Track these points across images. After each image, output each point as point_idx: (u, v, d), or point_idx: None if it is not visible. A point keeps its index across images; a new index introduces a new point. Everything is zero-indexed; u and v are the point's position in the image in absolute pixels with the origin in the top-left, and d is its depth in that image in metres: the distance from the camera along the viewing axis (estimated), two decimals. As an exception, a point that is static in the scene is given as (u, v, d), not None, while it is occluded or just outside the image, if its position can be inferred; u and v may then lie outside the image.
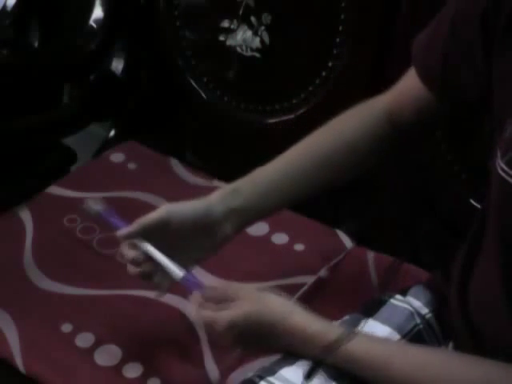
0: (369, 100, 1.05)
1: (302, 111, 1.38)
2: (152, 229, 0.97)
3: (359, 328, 0.97)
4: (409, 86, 0.98)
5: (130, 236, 0.97)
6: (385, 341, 0.91)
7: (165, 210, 0.98)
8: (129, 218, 1.02)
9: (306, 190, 1.05)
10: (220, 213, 1.00)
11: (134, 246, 0.98)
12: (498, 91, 0.82)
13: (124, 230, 0.98)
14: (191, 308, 0.92)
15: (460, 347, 0.94)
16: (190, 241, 1.00)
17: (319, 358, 0.87)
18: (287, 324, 0.88)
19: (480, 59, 0.84)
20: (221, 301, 0.91)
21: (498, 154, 0.78)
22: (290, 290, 1.18)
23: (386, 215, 1.31)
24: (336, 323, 0.92)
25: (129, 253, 0.98)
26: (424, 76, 0.94)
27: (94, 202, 1.03)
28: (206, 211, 1.00)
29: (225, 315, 0.89)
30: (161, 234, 0.98)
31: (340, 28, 1.30)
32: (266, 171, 1.03)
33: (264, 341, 0.90)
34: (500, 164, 0.78)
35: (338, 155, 1.02)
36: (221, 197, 1.01)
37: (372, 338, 0.90)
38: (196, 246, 1.01)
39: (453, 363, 0.83)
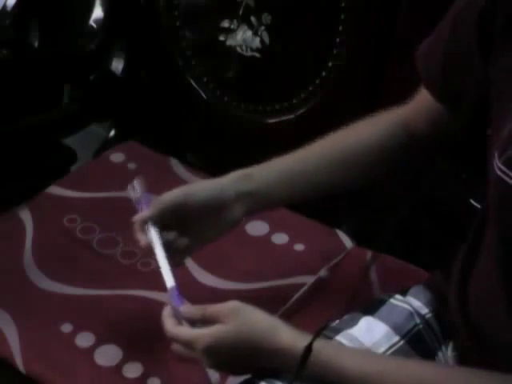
0: (387, 110, 1.05)
1: (301, 111, 1.38)
2: (168, 211, 0.99)
3: (359, 326, 0.97)
4: (422, 97, 0.99)
5: (146, 220, 0.99)
6: (378, 355, 0.90)
7: (181, 192, 1.00)
8: (129, 219, 1.02)
9: (316, 188, 1.05)
10: (231, 195, 1.00)
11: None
12: (495, 92, 0.83)
13: (140, 215, 0.99)
14: (165, 322, 0.91)
15: (460, 347, 0.94)
16: (201, 221, 1.01)
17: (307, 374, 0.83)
18: (273, 342, 0.85)
19: (478, 60, 0.84)
20: (197, 321, 0.89)
21: (495, 155, 0.78)
22: (289, 290, 1.19)
23: (385, 215, 1.30)
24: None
25: (142, 238, 0.99)
26: (425, 78, 0.95)
27: (134, 186, 1.05)
28: (218, 193, 1.01)
29: (204, 336, 0.87)
30: (176, 216, 1.00)
31: (340, 28, 1.30)
32: (280, 162, 1.04)
33: (246, 361, 0.87)
34: (497, 164, 0.78)
35: (352, 158, 1.03)
36: (232, 180, 1.02)
37: (365, 353, 0.88)
38: (206, 227, 1.01)
39: (449, 376, 0.83)
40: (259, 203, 1.03)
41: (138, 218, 1.00)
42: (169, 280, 0.97)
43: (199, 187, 1.02)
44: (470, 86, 0.88)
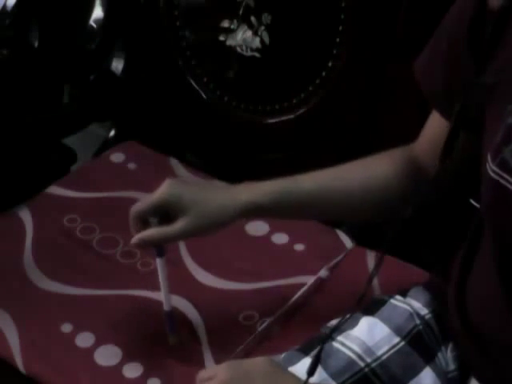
0: (403, 147, 1.04)
1: (301, 111, 1.38)
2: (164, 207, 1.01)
3: (359, 326, 0.97)
4: (428, 129, 0.99)
5: (140, 214, 1.01)
6: None
7: (190, 198, 1.01)
8: (129, 219, 1.03)
9: (321, 212, 1.08)
10: (235, 219, 1.02)
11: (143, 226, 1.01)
12: (487, 96, 0.83)
13: (136, 208, 1.01)
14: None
15: (459, 347, 0.94)
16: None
17: None
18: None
19: (472, 71, 0.84)
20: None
21: (488, 158, 0.79)
22: (290, 290, 1.19)
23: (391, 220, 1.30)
24: None
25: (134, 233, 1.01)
26: (429, 94, 0.94)
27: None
28: (225, 217, 1.02)
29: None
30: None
31: (340, 28, 1.30)
32: (289, 181, 1.04)
33: None
34: (491, 167, 0.78)
35: (362, 194, 1.02)
36: (242, 210, 1.01)
37: None
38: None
39: None
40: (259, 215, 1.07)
41: (133, 210, 1.01)
42: (166, 303, 1.06)
43: (209, 205, 1.01)
44: (470, 96, 0.87)
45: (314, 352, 0.93)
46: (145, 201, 1.02)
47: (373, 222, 1.10)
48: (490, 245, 0.84)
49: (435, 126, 0.96)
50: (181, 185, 1.03)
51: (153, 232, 1.01)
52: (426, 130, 1.00)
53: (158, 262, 1.05)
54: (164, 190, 1.01)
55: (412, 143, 1.03)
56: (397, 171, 1.01)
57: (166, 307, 1.06)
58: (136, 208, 1.02)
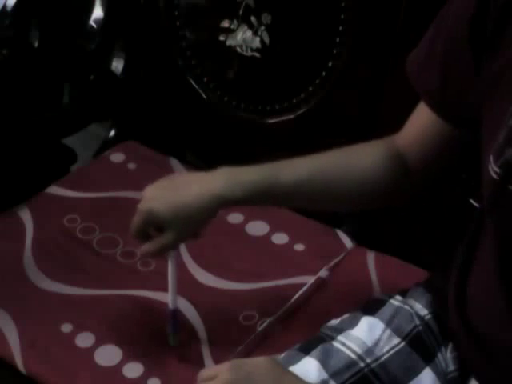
0: (387, 137, 1.03)
1: (301, 111, 1.38)
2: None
3: (360, 326, 0.97)
4: (413, 127, 0.98)
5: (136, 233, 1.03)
6: None
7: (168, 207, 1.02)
8: (129, 218, 1.03)
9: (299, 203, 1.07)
10: (213, 215, 1.02)
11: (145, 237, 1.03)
12: (488, 97, 0.82)
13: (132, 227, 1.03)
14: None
15: (459, 348, 0.94)
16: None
17: None
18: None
19: (472, 70, 0.84)
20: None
21: (491, 159, 0.78)
22: (289, 290, 1.19)
23: (386, 215, 1.31)
24: None
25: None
26: (423, 92, 0.94)
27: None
28: (203, 215, 1.02)
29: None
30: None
31: (340, 28, 1.30)
32: (274, 179, 1.02)
33: None
34: (493, 168, 0.78)
35: (340, 184, 1.01)
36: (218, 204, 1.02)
37: None
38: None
39: None
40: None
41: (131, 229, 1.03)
42: (171, 301, 1.06)
43: (186, 207, 1.01)
44: (467, 97, 0.87)
45: (315, 352, 0.93)
46: (133, 221, 1.03)
47: (357, 211, 1.09)
48: (491, 245, 0.84)
49: (424, 121, 0.96)
50: (157, 197, 1.03)
51: (150, 246, 1.03)
52: (412, 124, 0.99)
53: (170, 261, 1.06)
54: (142, 209, 1.02)
55: (395, 134, 1.02)
56: (378, 162, 1.00)
57: (171, 305, 1.06)
58: (131, 227, 1.04)
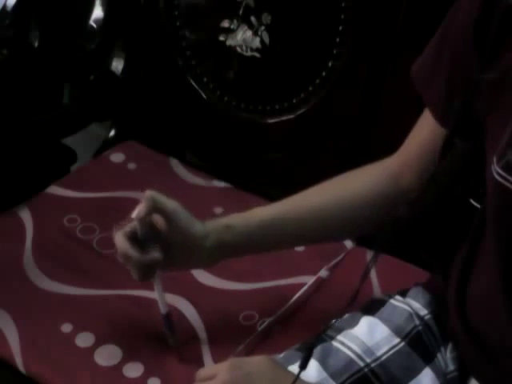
0: (375, 163, 1.04)
1: (301, 111, 1.38)
2: (159, 210, 0.99)
3: (360, 326, 0.97)
4: (412, 144, 0.99)
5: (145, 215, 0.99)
6: None
7: (176, 206, 1.00)
8: (129, 219, 1.02)
9: (297, 240, 1.08)
10: (213, 244, 1.01)
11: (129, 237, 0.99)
12: (492, 99, 0.82)
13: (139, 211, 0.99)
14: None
15: (459, 348, 0.94)
16: (178, 247, 1.01)
17: None
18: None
19: (477, 73, 0.84)
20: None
21: (494, 160, 0.78)
22: (289, 290, 1.19)
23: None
24: None
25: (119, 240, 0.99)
26: (429, 101, 0.93)
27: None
28: (203, 235, 1.01)
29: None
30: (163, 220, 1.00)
31: (340, 28, 1.30)
32: (260, 212, 1.04)
33: None
34: (496, 169, 0.78)
35: (333, 212, 1.02)
36: (214, 227, 1.02)
37: None
38: (182, 256, 1.03)
39: None
40: (239, 253, 1.05)
41: (137, 215, 1.00)
42: (162, 306, 1.05)
43: (191, 220, 1.01)
44: (474, 101, 0.86)
45: (314, 351, 0.93)
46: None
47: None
48: (493, 246, 0.84)
49: (425, 136, 0.96)
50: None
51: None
52: (412, 141, 0.99)
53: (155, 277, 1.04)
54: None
55: (391, 156, 1.02)
56: (374, 190, 1.01)
57: (162, 310, 1.06)
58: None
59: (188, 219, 1.01)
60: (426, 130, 0.95)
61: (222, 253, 1.03)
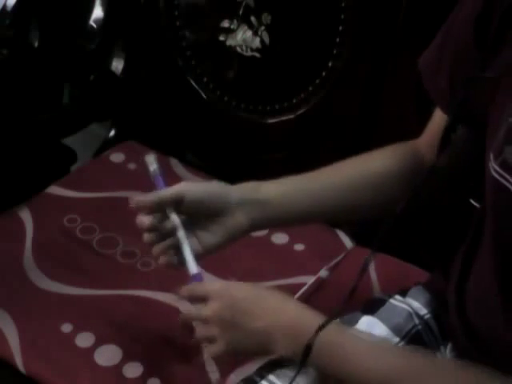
0: (407, 141, 1.03)
1: (301, 111, 1.38)
2: (167, 202, 0.94)
3: (359, 325, 0.97)
4: (433, 126, 0.98)
5: (144, 205, 0.95)
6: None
7: (181, 185, 0.96)
8: (129, 219, 1.02)
9: (326, 211, 1.02)
10: (234, 199, 0.96)
11: (151, 214, 0.95)
12: (492, 96, 0.83)
13: (139, 199, 0.95)
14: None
15: (458, 348, 0.94)
16: (202, 223, 0.97)
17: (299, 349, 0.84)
18: (264, 304, 0.90)
19: (478, 70, 0.84)
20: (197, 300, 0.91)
21: (491, 157, 0.79)
22: (290, 290, 1.18)
23: (385, 215, 1.31)
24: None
25: (144, 219, 0.95)
26: (435, 94, 0.94)
27: (150, 159, 0.99)
28: (221, 194, 0.96)
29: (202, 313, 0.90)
30: (176, 210, 0.95)
31: (340, 28, 1.30)
32: (291, 179, 1.01)
33: (259, 335, 0.87)
34: (493, 166, 0.78)
35: (361, 187, 1.01)
36: (240, 186, 0.98)
37: (358, 334, 0.89)
38: (208, 230, 0.97)
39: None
40: (265, 214, 0.98)
41: (152, 197, 0.95)
42: (192, 265, 0.95)
43: (201, 185, 0.98)
44: (474, 99, 0.87)
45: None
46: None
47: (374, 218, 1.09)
48: (491, 244, 0.84)
49: (438, 121, 0.96)
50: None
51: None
52: (429, 127, 1.00)
53: (175, 217, 0.95)
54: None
55: (416, 138, 1.03)
56: (399, 164, 1.01)
57: (191, 269, 0.96)
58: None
59: (197, 193, 0.96)
60: (437, 117, 0.96)
61: (248, 213, 0.97)
